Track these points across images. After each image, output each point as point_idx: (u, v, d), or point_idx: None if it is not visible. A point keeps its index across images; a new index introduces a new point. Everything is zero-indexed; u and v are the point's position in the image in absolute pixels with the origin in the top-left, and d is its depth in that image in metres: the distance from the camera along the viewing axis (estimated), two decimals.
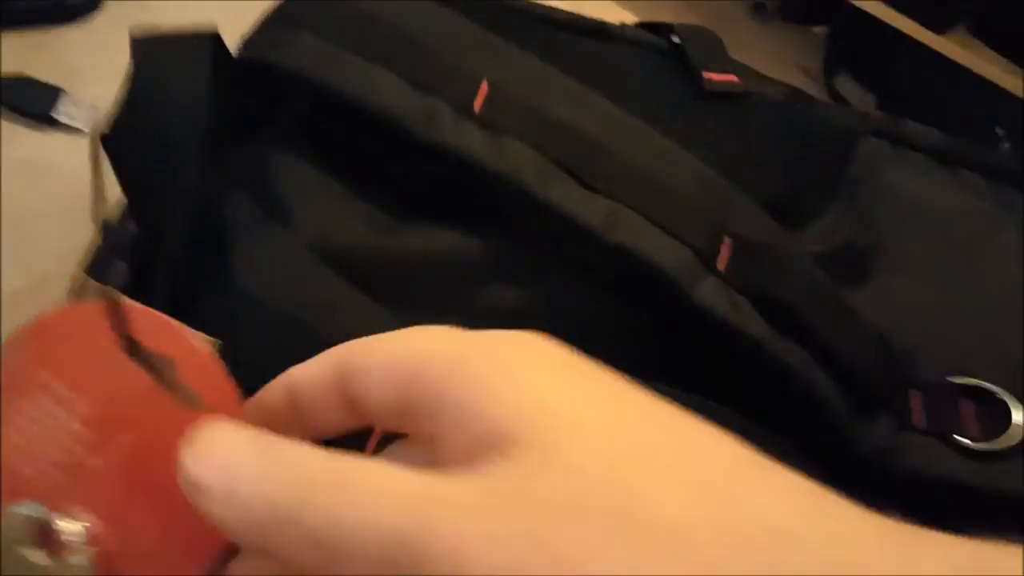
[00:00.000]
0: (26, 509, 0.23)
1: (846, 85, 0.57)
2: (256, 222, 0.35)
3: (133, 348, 0.23)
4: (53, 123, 0.51)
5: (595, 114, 0.37)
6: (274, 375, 0.25)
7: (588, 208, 0.35)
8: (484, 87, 0.36)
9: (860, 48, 0.59)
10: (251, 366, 0.26)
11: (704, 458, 0.19)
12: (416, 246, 0.36)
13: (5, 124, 0.51)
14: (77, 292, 0.35)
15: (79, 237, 0.48)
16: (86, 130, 0.51)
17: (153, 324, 0.25)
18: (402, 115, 0.35)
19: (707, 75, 0.43)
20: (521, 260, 0.36)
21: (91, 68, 0.52)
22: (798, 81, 0.55)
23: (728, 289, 0.36)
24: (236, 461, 0.20)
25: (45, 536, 0.23)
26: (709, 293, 0.36)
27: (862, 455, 0.36)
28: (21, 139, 0.51)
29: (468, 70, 0.36)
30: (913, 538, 0.19)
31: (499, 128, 0.35)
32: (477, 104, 0.36)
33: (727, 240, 0.36)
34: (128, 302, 0.24)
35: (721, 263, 0.36)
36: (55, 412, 0.24)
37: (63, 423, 0.24)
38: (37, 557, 0.23)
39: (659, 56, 0.44)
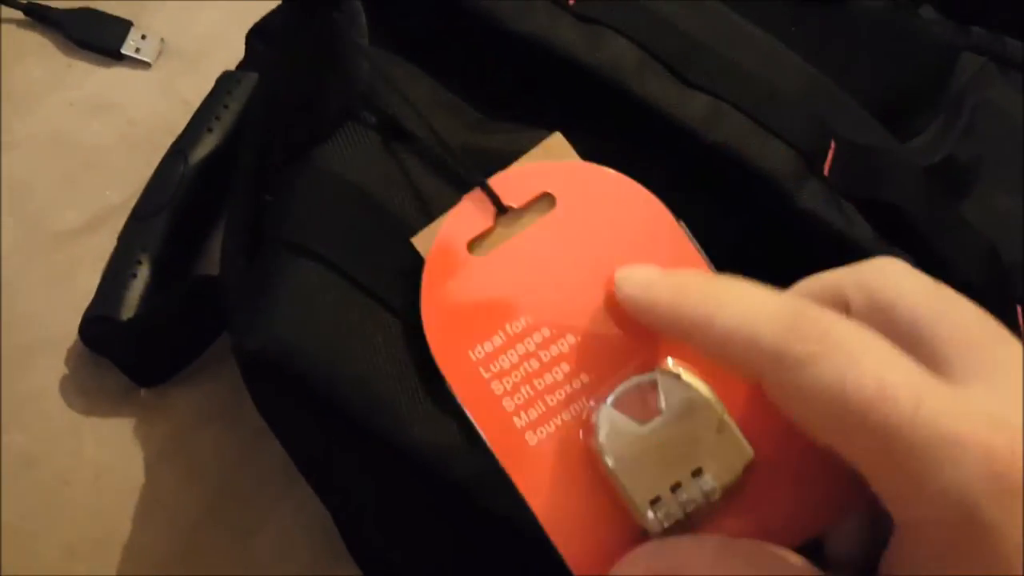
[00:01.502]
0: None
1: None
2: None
3: None
4: (120, 58, 0.50)
5: (698, 10, 0.36)
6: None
7: (688, 105, 0.34)
8: None
9: None
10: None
11: None
12: (500, 144, 0.34)
13: (71, 60, 0.50)
14: None
15: (143, 171, 0.48)
16: (153, 64, 0.50)
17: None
18: (494, 3, 0.33)
19: None
20: (612, 161, 0.34)
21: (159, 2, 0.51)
22: None
23: (834, 193, 0.34)
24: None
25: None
26: (814, 197, 0.34)
27: None
28: (87, 74, 0.50)
29: None
30: None
31: (595, 20, 0.34)
32: None
33: (832, 143, 0.35)
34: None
35: (825, 167, 0.34)
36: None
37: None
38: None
39: None
